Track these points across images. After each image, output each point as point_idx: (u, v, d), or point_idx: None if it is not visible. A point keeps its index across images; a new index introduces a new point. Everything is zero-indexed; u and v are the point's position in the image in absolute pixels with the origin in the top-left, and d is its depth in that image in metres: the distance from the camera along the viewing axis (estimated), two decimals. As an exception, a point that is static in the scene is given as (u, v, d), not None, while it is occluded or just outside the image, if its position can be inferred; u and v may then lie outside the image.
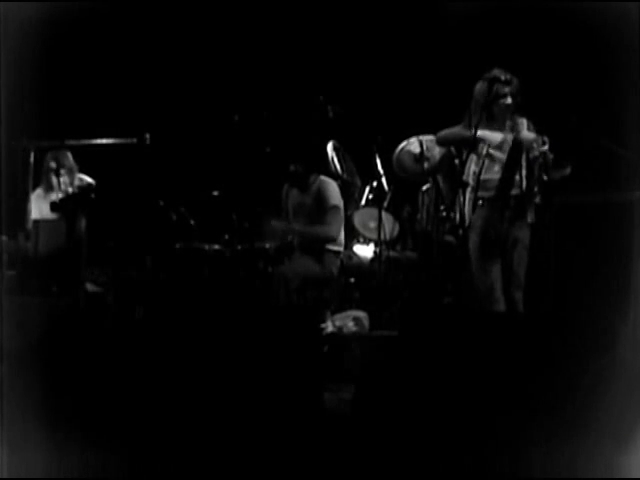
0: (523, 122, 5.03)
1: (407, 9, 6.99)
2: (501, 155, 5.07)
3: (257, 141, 6.15)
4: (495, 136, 5.07)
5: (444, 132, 5.29)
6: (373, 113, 6.85)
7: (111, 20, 6.81)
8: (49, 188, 6.13)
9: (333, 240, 5.88)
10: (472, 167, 5.09)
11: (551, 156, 4.98)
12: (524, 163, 5.01)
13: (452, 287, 6.29)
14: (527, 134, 5.01)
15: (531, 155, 4.97)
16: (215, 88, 7.24)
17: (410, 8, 6.97)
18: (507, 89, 5.02)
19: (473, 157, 5.09)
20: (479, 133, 4.99)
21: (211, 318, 3.74)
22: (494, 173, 5.07)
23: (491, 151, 5.05)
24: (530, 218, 5.02)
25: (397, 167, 6.54)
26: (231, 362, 3.43)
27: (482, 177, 5.06)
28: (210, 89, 7.26)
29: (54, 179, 6.04)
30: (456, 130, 5.18)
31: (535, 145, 4.96)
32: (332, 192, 5.86)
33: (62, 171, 6.05)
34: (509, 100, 5.03)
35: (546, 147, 4.93)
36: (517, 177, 5.03)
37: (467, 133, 5.04)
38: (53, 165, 6.07)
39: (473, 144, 5.00)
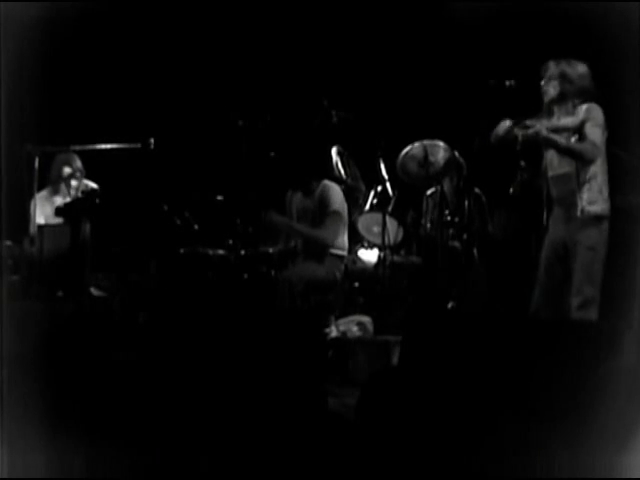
0: (581, 109, 4.83)
1: (411, 14, 7.01)
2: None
3: (261, 146, 6.15)
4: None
5: None
6: (377, 118, 6.86)
7: (114, 24, 6.84)
8: (56, 191, 6.15)
9: (329, 245, 5.83)
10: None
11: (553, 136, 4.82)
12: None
13: (456, 292, 6.29)
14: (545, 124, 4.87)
15: (520, 140, 4.87)
16: (219, 93, 7.25)
17: (414, 13, 6.98)
18: (544, 84, 4.91)
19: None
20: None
21: (215, 323, 3.74)
22: (558, 168, 4.93)
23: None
24: (579, 212, 4.81)
25: (401, 172, 6.56)
26: (235, 367, 3.43)
27: (550, 174, 4.95)
28: (214, 94, 7.27)
29: (70, 183, 6.06)
30: None
31: (516, 131, 4.86)
32: (335, 197, 5.84)
33: (78, 174, 6.09)
34: (545, 97, 4.90)
35: (530, 131, 4.81)
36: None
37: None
38: (68, 170, 6.09)
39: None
